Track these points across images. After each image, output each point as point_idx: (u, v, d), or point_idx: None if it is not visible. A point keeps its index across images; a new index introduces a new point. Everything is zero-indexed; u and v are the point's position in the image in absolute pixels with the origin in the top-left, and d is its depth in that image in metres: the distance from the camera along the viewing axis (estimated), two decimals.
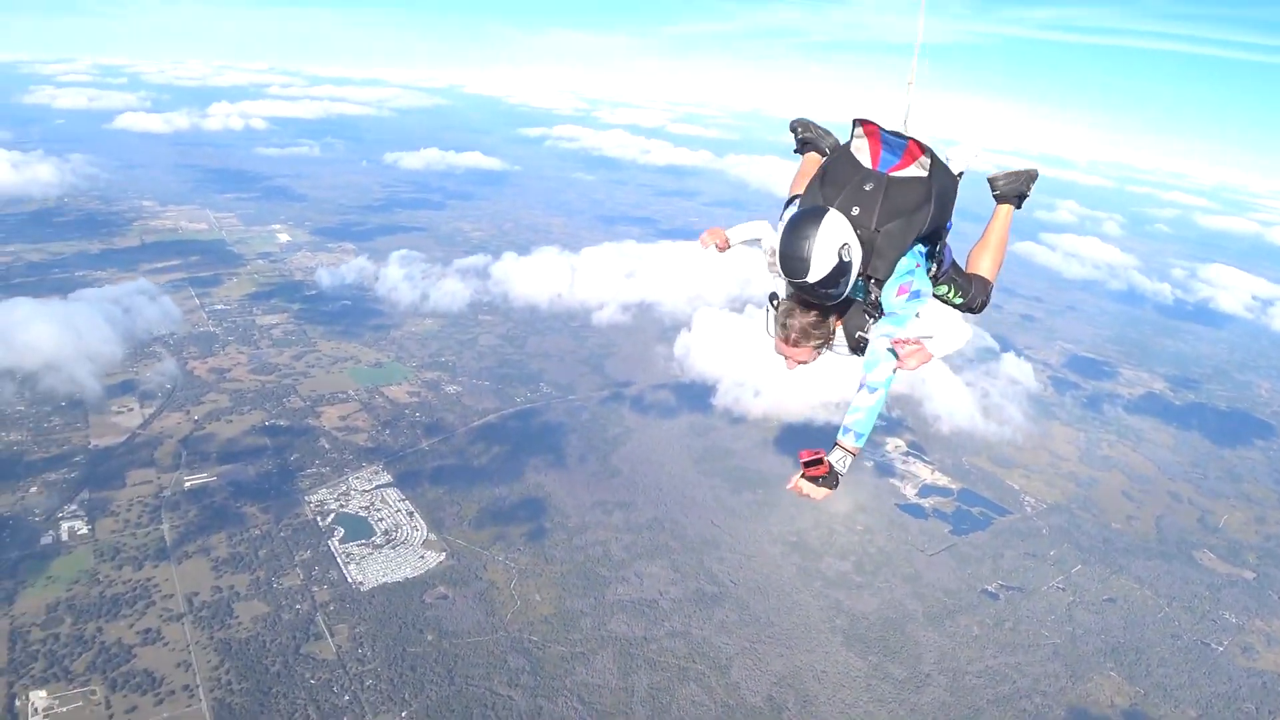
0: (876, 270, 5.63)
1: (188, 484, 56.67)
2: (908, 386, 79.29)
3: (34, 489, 54.12)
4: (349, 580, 48.80)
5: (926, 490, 68.00)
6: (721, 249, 6.59)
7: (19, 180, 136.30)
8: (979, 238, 7.04)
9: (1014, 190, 6.94)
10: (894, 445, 73.78)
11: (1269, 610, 58.06)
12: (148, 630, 43.33)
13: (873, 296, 5.75)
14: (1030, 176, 6.99)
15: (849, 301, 5.82)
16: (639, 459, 67.42)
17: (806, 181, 6.56)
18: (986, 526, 64.12)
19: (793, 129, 7.83)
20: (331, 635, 44.52)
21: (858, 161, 5.90)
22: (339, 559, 50.51)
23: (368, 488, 58.56)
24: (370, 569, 50.14)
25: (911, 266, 5.90)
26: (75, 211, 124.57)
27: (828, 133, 7.62)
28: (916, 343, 5.59)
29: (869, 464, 70.00)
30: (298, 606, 46.27)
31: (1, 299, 78.19)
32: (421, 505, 56.97)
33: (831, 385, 69.85)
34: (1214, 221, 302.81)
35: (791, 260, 5.22)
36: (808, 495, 5.59)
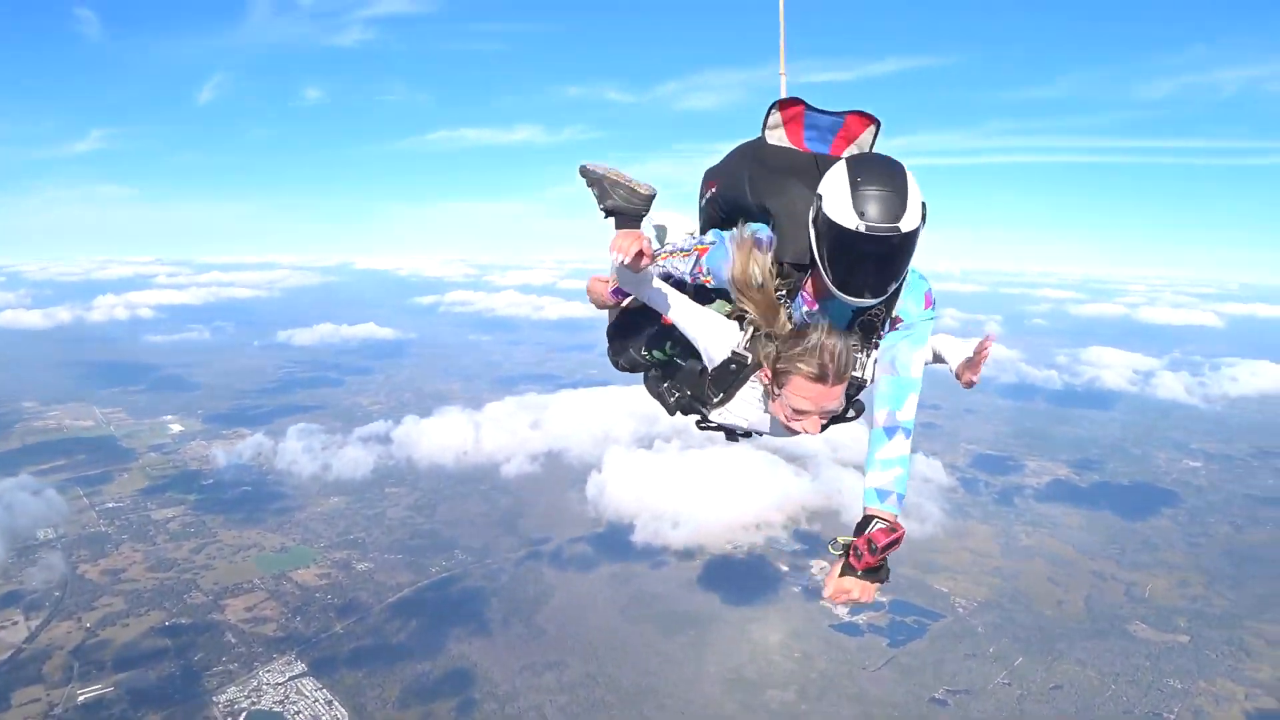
0: None
1: (81, 698, 51.86)
2: (823, 497, 79.81)
3: None
4: None
5: (858, 607, 67.13)
6: (637, 267, 4.20)
7: None
8: None
9: None
10: (820, 567, 72.85)
11: (1210, 670, 58.47)
12: None
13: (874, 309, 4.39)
14: None
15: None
16: (565, 616, 65.04)
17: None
18: (923, 634, 63.49)
19: (591, 180, 5.75)
20: None
21: (790, 149, 4.65)
22: None
23: (280, 680, 54.80)
24: None
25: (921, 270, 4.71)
26: None
27: (634, 189, 5.66)
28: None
29: (796, 589, 69.25)
30: None
31: None
32: (340, 692, 53.49)
33: (753, 505, 69.89)
34: (1085, 310, 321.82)
35: (882, 195, 3.81)
36: (857, 600, 4.27)
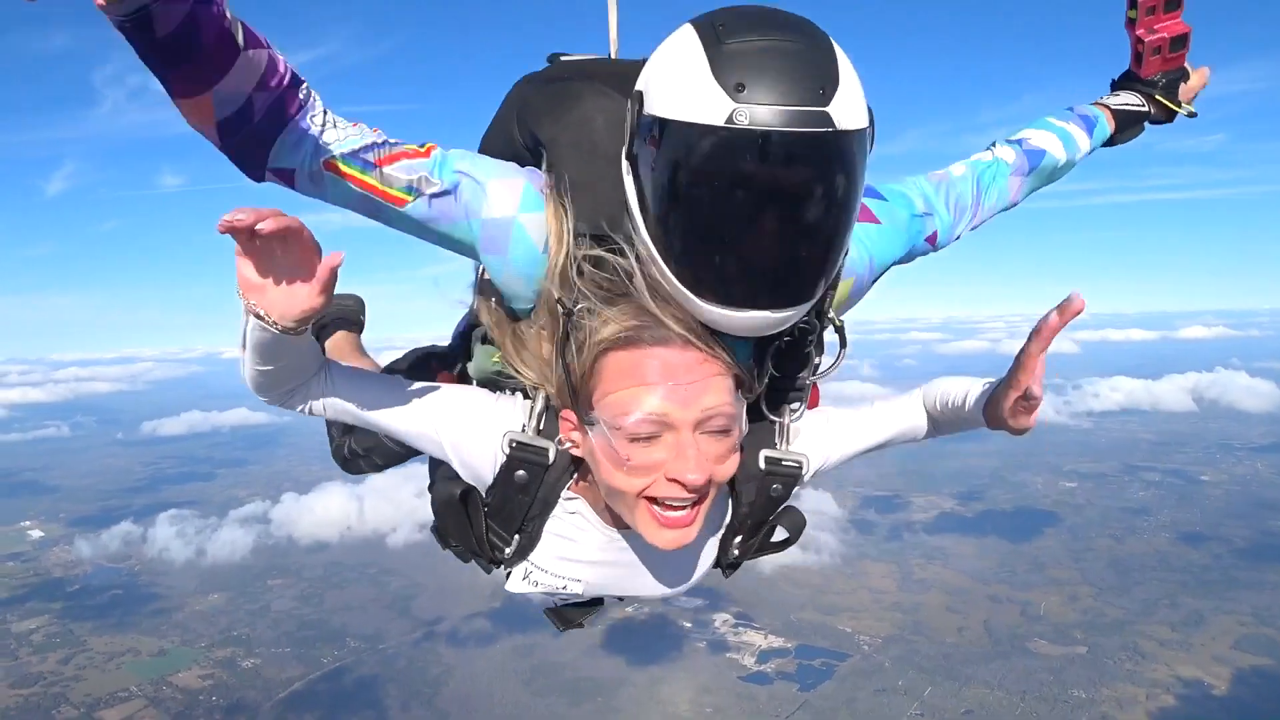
0: None
1: None
2: None
3: None
4: None
5: (765, 655, 66.46)
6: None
7: None
8: None
9: None
10: (722, 620, 72.13)
11: (1110, 677, 60.08)
12: None
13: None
14: None
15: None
16: (467, 696, 62.46)
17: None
18: (832, 675, 63.14)
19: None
20: None
21: (597, 58, 2.52)
22: None
23: None
24: None
25: None
26: None
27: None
28: None
29: (701, 644, 68.18)
30: None
31: None
32: None
33: None
34: (951, 348, 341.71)
35: (780, 48, 1.55)
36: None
